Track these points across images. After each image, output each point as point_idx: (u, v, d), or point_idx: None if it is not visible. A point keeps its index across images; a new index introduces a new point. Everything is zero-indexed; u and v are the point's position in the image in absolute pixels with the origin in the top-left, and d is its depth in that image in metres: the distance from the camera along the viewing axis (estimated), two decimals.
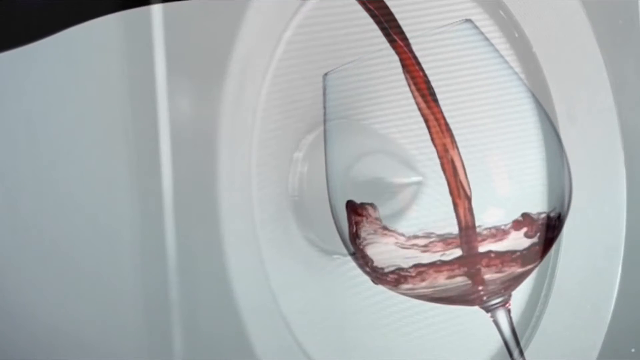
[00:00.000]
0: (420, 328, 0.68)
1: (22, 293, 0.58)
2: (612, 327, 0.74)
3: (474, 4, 0.69)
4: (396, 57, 0.53)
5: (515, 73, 0.53)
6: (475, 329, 0.69)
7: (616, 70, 0.75)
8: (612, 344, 0.74)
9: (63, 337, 0.58)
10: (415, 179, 0.57)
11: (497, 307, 0.53)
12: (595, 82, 0.74)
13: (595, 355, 0.73)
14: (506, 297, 0.53)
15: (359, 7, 0.65)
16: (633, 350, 0.74)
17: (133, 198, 0.58)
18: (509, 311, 0.53)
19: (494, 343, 0.70)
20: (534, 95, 0.53)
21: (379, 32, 0.63)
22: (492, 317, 0.53)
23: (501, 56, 0.53)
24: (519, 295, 0.69)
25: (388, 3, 0.54)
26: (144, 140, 0.58)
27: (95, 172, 0.59)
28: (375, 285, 0.58)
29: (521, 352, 0.53)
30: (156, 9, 0.58)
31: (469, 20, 0.53)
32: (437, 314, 0.68)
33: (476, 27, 0.53)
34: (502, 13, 0.70)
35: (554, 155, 0.52)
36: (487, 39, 0.53)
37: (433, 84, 0.52)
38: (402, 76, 0.53)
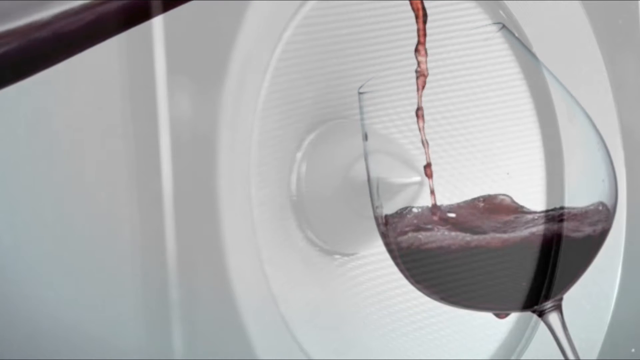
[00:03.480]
0: (420, 328, 0.68)
1: (22, 293, 0.58)
2: (612, 327, 0.74)
3: (474, 4, 0.69)
4: (397, 61, 0.53)
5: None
6: (475, 329, 0.69)
7: (616, 70, 0.75)
8: (612, 344, 0.74)
9: (63, 337, 0.58)
10: (415, 179, 0.57)
11: (550, 310, 0.52)
12: (595, 82, 0.74)
13: (595, 355, 0.73)
14: (559, 299, 0.52)
15: (359, 7, 0.65)
16: (633, 350, 0.74)
17: (133, 198, 0.58)
18: (562, 314, 0.52)
19: (494, 343, 0.70)
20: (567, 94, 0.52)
21: (379, 33, 0.63)
22: (544, 320, 0.52)
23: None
24: None
25: (389, 3, 0.54)
26: (144, 140, 0.58)
27: (95, 172, 0.59)
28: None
29: (576, 354, 0.52)
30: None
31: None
32: (437, 314, 0.68)
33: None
34: (502, 13, 0.70)
35: (593, 147, 0.52)
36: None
37: (437, 83, 0.52)
38: (402, 76, 0.53)
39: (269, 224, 0.63)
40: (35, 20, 0.42)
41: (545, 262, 0.50)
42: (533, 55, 0.54)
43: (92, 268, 0.58)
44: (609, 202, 0.52)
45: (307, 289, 0.65)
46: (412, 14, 0.53)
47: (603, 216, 0.51)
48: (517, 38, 0.53)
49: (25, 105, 0.57)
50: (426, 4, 0.65)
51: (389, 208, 0.53)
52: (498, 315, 0.56)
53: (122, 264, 0.59)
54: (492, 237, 0.50)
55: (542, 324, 0.52)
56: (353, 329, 0.66)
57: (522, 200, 0.52)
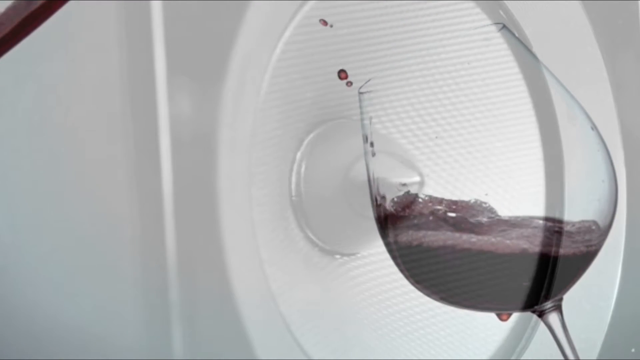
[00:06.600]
0: (420, 328, 0.68)
1: (22, 292, 0.58)
2: (612, 327, 0.74)
3: (473, 4, 0.69)
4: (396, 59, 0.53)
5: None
6: (475, 329, 0.69)
7: (616, 70, 0.75)
8: (612, 344, 0.74)
9: (62, 337, 0.58)
10: (415, 179, 0.57)
11: (550, 311, 0.52)
12: (595, 82, 0.74)
13: (595, 355, 0.74)
14: (558, 300, 0.52)
15: (358, 7, 0.65)
16: (633, 350, 0.74)
17: (133, 198, 0.58)
18: (562, 314, 0.52)
19: (494, 343, 0.70)
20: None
21: (379, 33, 0.63)
22: (543, 320, 0.52)
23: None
24: None
25: (389, 3, 0.54)
26: (144, 140, 0.58)
27: (95, 172, 0.59)
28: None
29: (576, 354, 0.52)
30: (156, 8, 0.58)
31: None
32: (437, 314, 0.68)
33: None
34: (502, 13, 0.70)
35: (593, 148, 0.52)
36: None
37: (437, 83, 0.52)
38: (402, 76, 0.53)
39: (269, 224, 0.63)
40: None
41: (545, 262, 0.50)
42: (533, 55, 0.54)
43: (92, 268, 0.58)
44: (609, 203, 0.52)
45: (307, 289, 0.65)
46: (411, 15, 0.53)
47: (603, 217, 0.51)
48: (517, 38, 0.53)
49: (26, 105, 0.57)
50: (426, 4, 0.65)
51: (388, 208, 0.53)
52: (500, 317, 0.56)
53: (122, 264, 0.59)
54: (493, 238, 0.50)
55: (542, 324, 0.52)
56: (353, 329, 0.66)
57: (522, 200, 0.52)
